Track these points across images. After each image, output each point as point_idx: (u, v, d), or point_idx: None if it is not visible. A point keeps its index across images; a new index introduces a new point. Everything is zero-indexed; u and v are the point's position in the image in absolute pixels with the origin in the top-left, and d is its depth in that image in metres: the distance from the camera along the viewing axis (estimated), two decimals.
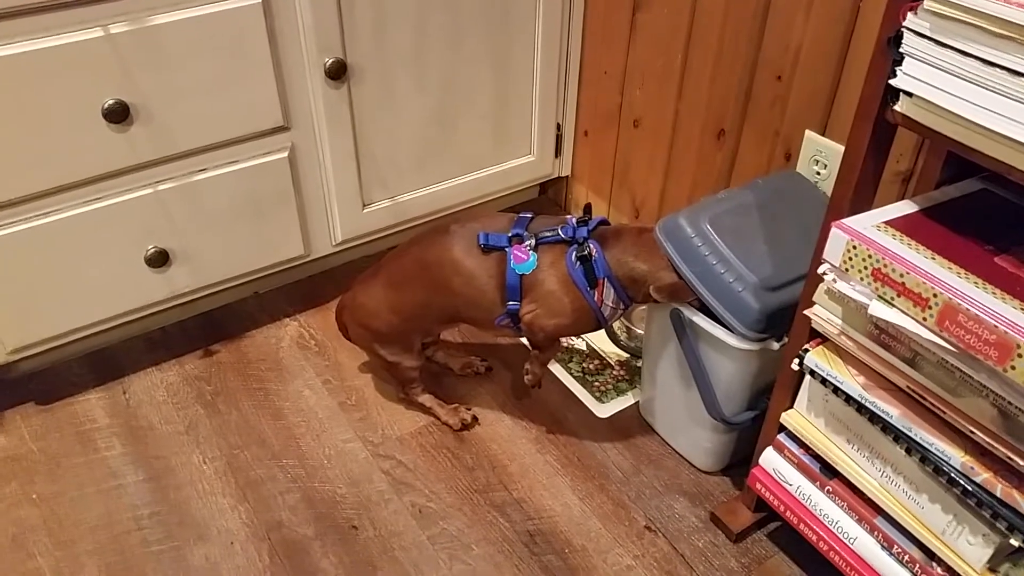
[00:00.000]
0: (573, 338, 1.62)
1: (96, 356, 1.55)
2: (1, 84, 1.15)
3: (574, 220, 1.26)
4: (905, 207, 0.94)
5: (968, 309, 0.78)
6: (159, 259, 1.41)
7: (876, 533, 1.04)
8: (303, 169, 1.49)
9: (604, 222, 1.27)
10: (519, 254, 1.23)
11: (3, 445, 1.38)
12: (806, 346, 1.03)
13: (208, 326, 1.63)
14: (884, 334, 0.92)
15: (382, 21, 1.42)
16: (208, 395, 1.48)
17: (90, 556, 1.22)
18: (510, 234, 1.25)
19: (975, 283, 0.82)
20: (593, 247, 1.22)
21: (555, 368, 1.55)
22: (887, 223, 0.90)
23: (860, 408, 0.97)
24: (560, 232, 1.24)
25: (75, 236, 1.32)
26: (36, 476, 1.33)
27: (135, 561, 1.22)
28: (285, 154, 1.45)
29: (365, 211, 1.61)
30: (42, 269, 1.32)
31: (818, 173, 1.30)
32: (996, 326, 0.76)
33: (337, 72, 1.40)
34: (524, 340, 1.37)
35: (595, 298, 1.22)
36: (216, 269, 1.50)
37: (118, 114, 1.24)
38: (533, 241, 1.24)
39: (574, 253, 1.22)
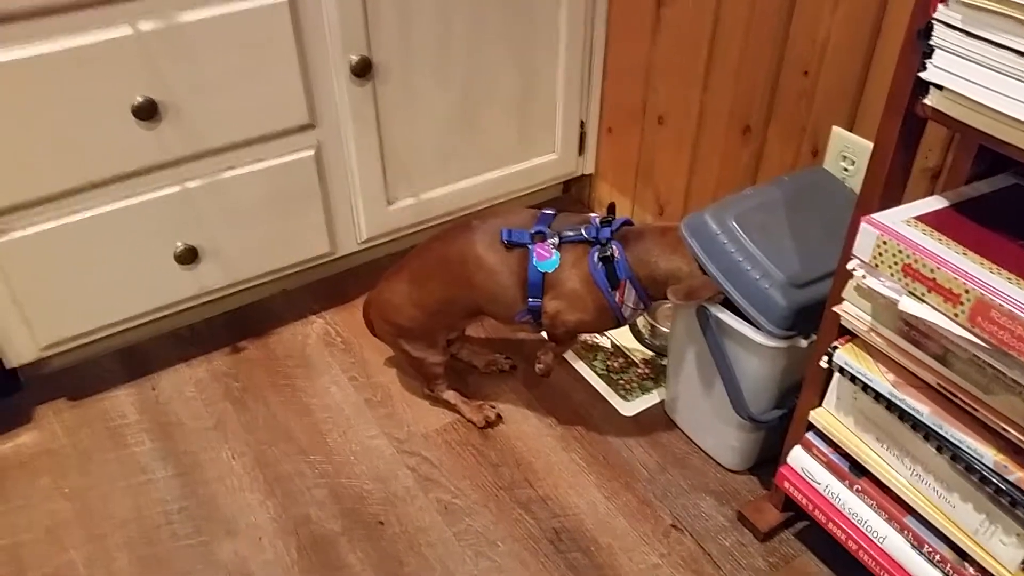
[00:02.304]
0: (597, 336, 1.61)
1: (126, 352, 1.57)
2: (32, 82, 1.17)
3: (597, 220, 1.26)
4: (935, 202, 0.93)
5: (1001, 305, 0.77)
6: (188, 256, 1.42)
7: (906, 532, 1.02)
8: (329, 167, 1.50)
9: (628, 222, 1.26)
10: (542, 252, 1.23)
11: (36, 440, 1.41)
12: (835, 343, 1.02)
13: (236, 323, 1.64)
14: (914, 331, 0.90)
15: (407, 19, 1.42)
16: (236, 391, 1.49)
17: (121, 549, 1.24)
18: (533, 231, 1.25)
19: (1008, 279, 0.80)
20: (616, 248, 1.21)
21: (579, 366, 1.55)
22: (917, 218, 0.89)
23: (890, 406, 0.96)
24: (583, 232, 1.24)
25: (105, 233, 1.34)
26: (68, 470, 1.35)
27: (165, 555, 1.23)
28: (311, 152, 1.46)
29: (390, 209, 1.62)
30: (72, 266, 1.34)
31: (846, 169, 1.29)
32: None
33: (362, 70, 1.41)
34: (543, 334, 1.37)
35: (616, 299, 1.22)
36: (244, 266, 1.51)
37: (147, 111, 1.26)
38: (556, 239, 1.24)
39: (596, 254, 1.22)
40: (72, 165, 1.26)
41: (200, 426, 1.43)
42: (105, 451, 1.39)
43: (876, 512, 1.06)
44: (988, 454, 0.87)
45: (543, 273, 1.23)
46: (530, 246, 1.24)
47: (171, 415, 1.45)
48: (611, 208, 1.30)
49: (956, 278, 0.81)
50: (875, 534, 1.06)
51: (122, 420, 1.44)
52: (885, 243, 0.87)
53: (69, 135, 1.23)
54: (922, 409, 0.93)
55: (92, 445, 1.40)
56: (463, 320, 1.41)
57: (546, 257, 1.23)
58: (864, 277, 0.91)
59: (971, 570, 0.95)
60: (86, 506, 1.30)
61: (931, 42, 0.78)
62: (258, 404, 1.47)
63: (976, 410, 0.87)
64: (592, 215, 1.28)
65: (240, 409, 1.46)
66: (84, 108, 1.22)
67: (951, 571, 0.97)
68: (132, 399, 1.48)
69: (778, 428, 1.23)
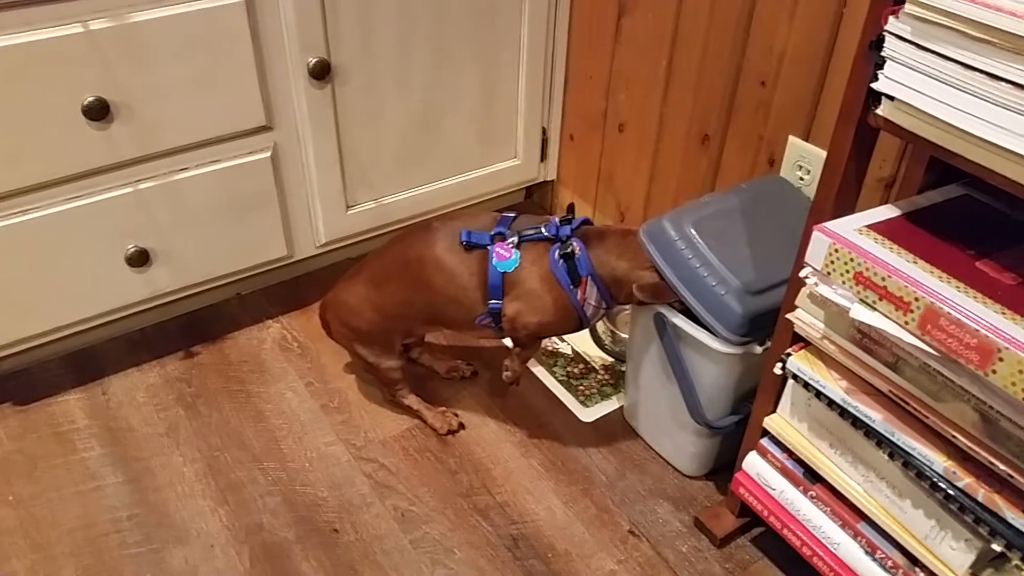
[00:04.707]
0: (558, 342, 1.61)
1: (76, 356, 1.54)
2: None
3: (557, 219, 1.26)
4: (887, 211, 0.94)
5: (950, 313, 0.78)
6: (139, 259, 1.39)
7: (859, 538, 1.03)
8: (286, 169, 1.48)
9: (587, 221, 1.26)
10: (501, 251, 1.23)
11: None
12: (789, 350, 1.03)
13: (189, 327, 1.61)
14: (866, 338, 0.91)
15: (367, 21, 1.41)
16: (189, 397, 1.47)
17: (67, 558, 1.21)
18: (493, 232, 1.24)
19: (957, 287, 0.82)
20: (576, 245, 1.21)
21: (540, 372, 1.55)
22: (869, 227, 0.90)
23: (843, 412, 0.97)
24: (543, 230, 1.24)
25: (54, 235, 1.31)
26: (13, 477, 1.32)
27: (113, 563, 1.20)
28: (268, 154, 1.44)
29: (349, 213, 1.60)
30: (20, 268, 1.31)
31: (801, 179, 1.30)
32: (977, 330, 0.76)
33: (321, 72, 1.39)
34: (506, 341, 1.36)
35: (578, 296, 1.22)
36: (197, 269, 1.49)
37: (98, 111, 1.23)
38: (516, 239, 1.23)
39: (557, 251, 1.22)
40: (20, 165, 1.23)
41: (151, 432, 1.40)
42: (53, 457, 1.35)
43: (830, 518, 1.07)
44: (938, 460, 0.88)
45: (503, 273, 1.23)
46: (489, 247, 1.23)
47: (122, 420, 1.42)
48: (570, 208, 1.30)
49: (906, 286, 0.82)
50: (829, 540, 1.07)
51: (71, 425, 1.41)
52: (837, 251, 0.88)
53: (16, 135, 1.20)
54: (874, 416, 0.94)
55: (39, 451, 1.36)
56: (421, 326, 1.40)
57: (505, 257, 1.23)
58: (816, 285, 0.92)
59: (922, 575, 0.96)
60: (31, 514, 1.26)
61: (883, 53, 0.79)
62: (211, 410, 1.44)
63: (926, 417, 0.88)
64: (552, 216, 1.28)
65: (193, 415, 1.43)
66: (32, 108, 1.19)
67: None
68: (82, 404, 1.45)
69: (734, 434, 1.23)
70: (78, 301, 1.40)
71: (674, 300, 1.19)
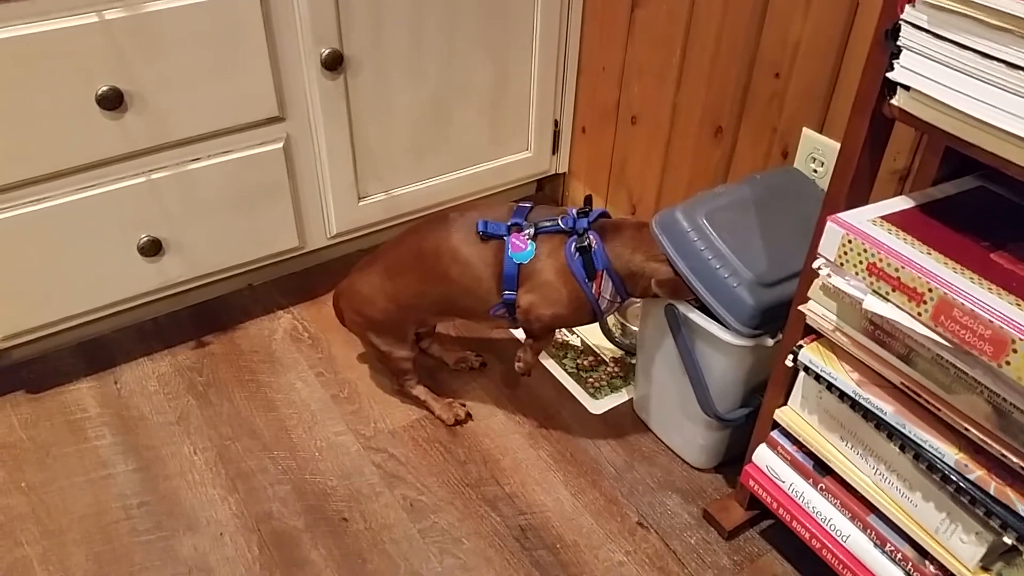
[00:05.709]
0: (568, 334, 1.61)
1: (88, 345, 1.55)
2: None
3: (574, 211, 1.25)
4: (901, 203, 0.94)
5: (963, 304, 0.78)
6: (152, 248, 1.40)
7: (869, 531, 1.03)
8: (298, 160, 1.48)
9: (604, 214, 1.26)
10: (517, 243, 1.23)
11: None
12: (800, 342, 1.03)
13: (201, 317, 1.62)
14: (879, 330, 0.91)
15: (379, 12, 1.41)
16: (200, 386, 1.47)
17: (78, 545, 1.21)
18: (509, 223, 1.24)
19: (971, 278, 0.81)
20: (593, 238, 1.21)
21: (549, 363, 1.55)
22: (883, 218, 0.90)
23: (854, 405, 0.97)
24: (560, 222, 1.23)
25: (67, 224, 1.32)
26: (25, 465, 1.33)
27: (123, 550, 1.21)
28: (280, 145, 1.44)
29: (360, 204, 1.60)
30: (34, 257, 1.32)
31: (815, 171, 1.30)
32: (991, 321, 0.76)
33: (333, 63, 1.39)
34: (517, 333, 1.36)
35: (593, 290, 1.22)
36: (209, 260, 1.49)
37: (112, 101, 1.23)
38: (532, 230, 1.23)
39: (573, 244, 1.21)
40: (34, 154, 1.23)
41: (162, 420, 1.41)
42: (64, 445, 1.36)
43: (840, 511, 1.07)
44: (949, 453, 0.88)
45: (518, 264, 1.23)
46: (506, 237, 1.23)
47: (133, 409, 1.43)
48: (587, 200, 1.30)
49: (920, 277, 0.81)
50: (838, 532, 1.07)
51: (83, 414, 1.42)
52: (850, 242, 0.87)
53: (31, 123, 1.21)
54: (885, 408, 0.93)
55: (51, 439, 1.37)
56: (435, 316, 1.40)
57: (521, 248, 1.22)
58: (829, 276, 0.91)
59: (932, 568, 0.96)
60: (43, 501, 1.27)
61: (898, 42, 0.79)
62: (222, 399, 1.45)
63: (938, 409, 0.87)
64: (569, 207, 1.28)
65: (203, 404, 1.44)
66: (47, 97, 1.20)
67: (912, 569, 0.98)
68: (93, 392, 1.46)
69: (744, 427, 1.23)
70: (90, 290, 1.40)
71: (693, 298, 1.19)
